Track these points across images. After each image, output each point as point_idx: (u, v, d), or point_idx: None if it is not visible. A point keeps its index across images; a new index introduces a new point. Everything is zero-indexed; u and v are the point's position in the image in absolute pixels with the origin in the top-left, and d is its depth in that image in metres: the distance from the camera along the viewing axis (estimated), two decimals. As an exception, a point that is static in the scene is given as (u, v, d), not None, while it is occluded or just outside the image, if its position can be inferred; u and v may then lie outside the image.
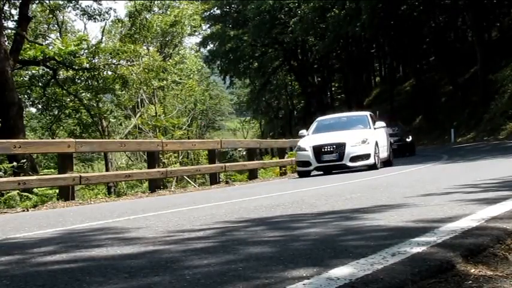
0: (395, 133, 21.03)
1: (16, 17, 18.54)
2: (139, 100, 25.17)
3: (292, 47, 50.03)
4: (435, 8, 35.20)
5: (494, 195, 4.56)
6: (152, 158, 11.38)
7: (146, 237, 3.48)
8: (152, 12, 30.98)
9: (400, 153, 20.17)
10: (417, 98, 38.66)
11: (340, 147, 12.45)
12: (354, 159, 12.41)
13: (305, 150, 12.71)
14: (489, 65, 31.54)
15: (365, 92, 50.96)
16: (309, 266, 2.21)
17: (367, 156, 12.44)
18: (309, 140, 13.07)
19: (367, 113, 14.62)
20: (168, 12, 34.90)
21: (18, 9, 17.73)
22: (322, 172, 13.16)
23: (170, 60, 31.39)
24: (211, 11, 51.69)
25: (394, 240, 2.66)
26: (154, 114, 23.07)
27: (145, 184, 13.44)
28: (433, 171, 10.50)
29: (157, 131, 21.11)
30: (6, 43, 15.76)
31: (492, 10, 35.32)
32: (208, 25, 52.62)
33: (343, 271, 2.08)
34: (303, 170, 12.84)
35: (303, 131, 13.98)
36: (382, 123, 13.96)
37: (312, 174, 12.88)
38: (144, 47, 28.51)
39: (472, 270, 2.17)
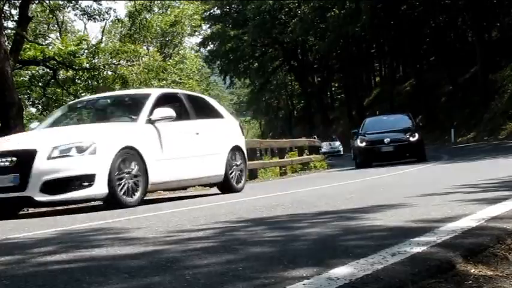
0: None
1: (16, 17, 18.54)
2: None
3: (292, 47, 50.03)
4: (435, 8, 35.18)
5: (494, 195, 4.56)
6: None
7: (146, 237, 3.48)
8: (152, 12, 30.98)
9: (400, 156, 15.32)
10: (417, 98, 38.65)
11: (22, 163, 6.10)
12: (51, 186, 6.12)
13: None
14: (489, 65, 31.54)
15: (365, 92, 50.98)
16: (309, 266, 2.21)
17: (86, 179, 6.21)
18: None
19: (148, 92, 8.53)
20: (168, 12, 34.90)
21: (18, 9, 17.71)
22: None
23: (170, 60, 31.37)
24: (211, 11, 51.70)
25: (394, 240, 2.66)
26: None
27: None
28: (433, 171, 10.50)
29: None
30: (6, 43, 15.75)
31: (492, 10, 35.30)
32: (208, 25, 52.63)
33: (343, 271, 2.08)
34: None
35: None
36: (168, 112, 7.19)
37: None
38: (144, 47, 28.52)
39: (472, 270, 2.17)
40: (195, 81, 36.52)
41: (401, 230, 3.03)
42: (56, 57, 18.89)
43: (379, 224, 3.33)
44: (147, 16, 28.65)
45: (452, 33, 39.54)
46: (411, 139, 15.00)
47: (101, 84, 21.77)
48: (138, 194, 6.56)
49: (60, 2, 24.21)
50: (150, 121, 7.08)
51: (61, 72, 21.43)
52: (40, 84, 23.82)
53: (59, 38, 23.83)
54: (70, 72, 21.25)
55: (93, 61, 20.95)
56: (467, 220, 3.23)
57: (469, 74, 35.65)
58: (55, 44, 20.29)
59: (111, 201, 6.35)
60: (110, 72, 21.93)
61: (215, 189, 8.47)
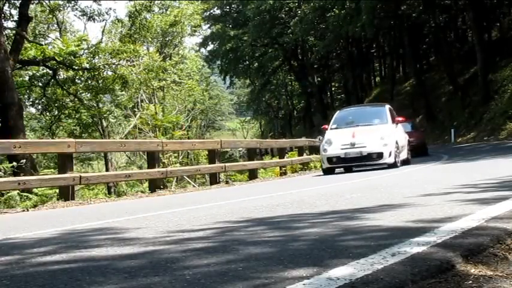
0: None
1: (16, 17, 18.54)
2: (139, 100, 25.17)
3: (292, 47, 50.05)
4: (435, 8, 35.19)
5: (494, 195, 4.55)
6: (152, 158, 11.38)
7: (146, 237, 3.48)
8: (152, 12, 30.97)
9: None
10: (417, 98, 38.67)
11: None
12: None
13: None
14: (489, 65, 31.54)
15: (365, 92, 50.98)
16: (309, 266, 2.21)
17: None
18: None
19: None
20: (168, 12, 34.90)
21: (18, 9, 17.72)
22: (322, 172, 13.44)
23: (169, 60, 31.38)
24: (211, 11, 51.73)
25: (394, 240, 2.66)
26: (154, 114, 23.06)
27: (146, 184, 13.44)
28: (433, 171, 10.50)
29: (158, 131, 21.11)
30: (6, 43, 15.76)
31: (492, 10, 35.32)
32: (208, 25, 52.65)
33: (343, 271, 2.08)
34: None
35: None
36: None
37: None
38: (144, 47, 28.53)
39: (472, 270, 2.17)
40: (195, 81, 36.55)
41: (401, 230, 3.03)
42: (56, 57, 18.90)
43: (379, 224, 3.33)
44: (147, 16, 28.64)
45: (452, 33, 39.56)
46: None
47: (101, 84, 21.79)
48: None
49: (60, 2, 24.22)
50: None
51: (61, 72, 21.44)
52: (40, 84, 23.83)
53: (59, 38, 23.83)
54: (70, 72, 21.25)
55: (93, 61, 20.95)
56: (467, 220, 3.23)
57: (469, 74, 35.65)
58: (55, 44, 20.29)
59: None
60: (110, 72, 21.93)
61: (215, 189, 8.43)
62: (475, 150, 18.51)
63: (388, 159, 12.50)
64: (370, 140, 12.59)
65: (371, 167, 13.15)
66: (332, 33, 40.12)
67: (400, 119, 13.91)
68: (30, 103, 26.24)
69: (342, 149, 12.66)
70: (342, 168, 13.49)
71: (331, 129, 13.72)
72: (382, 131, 12.86)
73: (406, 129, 19.82)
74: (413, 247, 2.47)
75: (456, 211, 3.66)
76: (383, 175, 10.18)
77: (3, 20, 16.75)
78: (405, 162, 13.80)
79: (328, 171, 13.03)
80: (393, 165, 12.51)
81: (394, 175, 9.94)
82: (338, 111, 15.46)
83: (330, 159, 12.83)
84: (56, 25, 27.88)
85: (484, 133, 28.80)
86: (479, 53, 31.14)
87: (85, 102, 23.54)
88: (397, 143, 12.88)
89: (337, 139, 12.94)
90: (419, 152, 18.72)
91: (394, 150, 12.62)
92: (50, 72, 21.19)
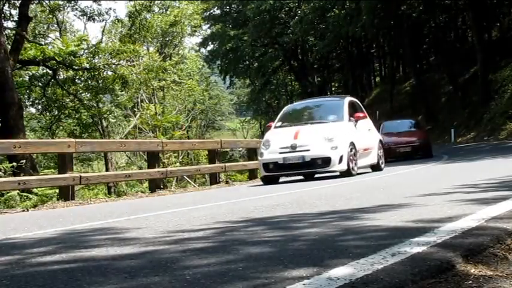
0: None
1: (16, 17, 18.54)
2: (139, 100, 25.17)
3: (292, 47, 50.02)
4: (435, 8, 35.19)
5: (494, 195, 4.55)
6: (152, 158, 11.39)
7: (146, 237, 3.48)
8: (152, 12, 30.98)
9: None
10: (417, 98, 38.66)
11: None
12: None
13: None
14: (489, 65, 31.53)
15: (365, 92, 50.96)
16: (309, 266, 2.21)
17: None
18: None
19: None
20: (168, 12, 34.90)
21: (18, 9, 17.72)
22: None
23: (169, 60, 31.39)
24: (211, 11, 51.71)
25: (394, 240, 2.66)
26: (154, 114, 23.07)
27: (146, 184, 13.45)
28: (433, 171, 10.50)
29: (158, 131, 21.12)
30: (6, 43, 15.76)
31: (492, 10, 35.31)
32: (208, 25, 52.64)
33: (343, 271, 2.08)
34: None
35: None
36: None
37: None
38: (144, 47, 28.53)
39: (472, 270, 2.17)
40: (195, 81, 36.55)
41: (401, 230, 3.03)
42: (56, 57, 18.90)
43: (379, 224, 3.33)
44: (147, 16, 28.65)
45: (452, 33, 39.56)
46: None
47: (101, 84, 21.80)
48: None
49: (60, 2, 24.23)
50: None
51: (61, 72, 21.44)
52: (40, 84, 23.83)
53: (59, 38, 23.83)
54: (70, 72, 21.26)
55: (93, 61, 20.96)
56: (467, 220, 3.23)
57: (469, 74, 35.64)
58: (55, 44, 20.29)
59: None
60: (110, 72, 21.93)
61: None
62: (475, 150, 18.51)
63: (338, 166, 10.13)
64: (315, 141, 10.17)
65: (327, 174, 11.02)
66: (332, 33, 40.10)
67: (361, 114, 11.43)
68: (30, 103, 26.25)
69: (281, 153, 10.20)
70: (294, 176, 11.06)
71: (274, 127, 11.26)
72: (333, 130, 10.39)
73: (409, 128, 19.27)
74: (413, 247, 2.47)
75: (456, 211, 3.66)
76: (383, 175, 10.16)
77: (3, 20, 16.75)
78: (375, 168, 11.82)
79: (267, 181, 10.53)
80: (347, 173, 10.20)
81: (394, 175, 9.93)
82: (287, 106, 13.46)
83: (266, 166, 10.35)
84: (56, 25, 27.89)
85: (484, 133, 28.78)
86: (479, 53, 31.13)
87: (85, 102, 23.55)
88: (353, 145, 10.54)
89: (276, 140, 10.48)
90: (422, 153, 17.59)
91: (348, 155, 10.24)
92: (50, 72, 21.19)
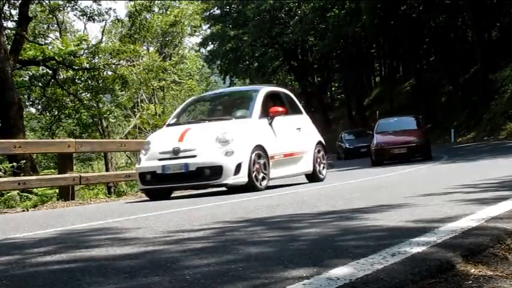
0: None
1: (16, 17, 18.55)
2: (139, 100, 25.19)
3: (292, 47, 50.03)
4: (435, 8, 35.19)
5: (494, 195, 4.56)
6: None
7: (146, 237, 3.48)
8: (152, 12, 31.00)
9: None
10: (417, 98, 38.66)
11: None
12: None
13: None
14: (489, 65, 31.53)
15: (365, 92, 50.96)
16: (309, 266, 2.21)
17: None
18: None
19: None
20: (168, 12, 34.91)
21: (18, 9, 17.74)
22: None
23: (169, 60, 31.40)
24: (211, 11, 51.71)
25: (394, 240, 2.66)
26: (154, 114, 23.09)
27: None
28: (433, 171, 10.50)
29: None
30: (6, 43, 15.77)
31: (492, 10, 35.31)
32: (208, 25, 52.64)
33: (343, 271, 2.08)
34: None
35: None
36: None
37: None
38: (144, 47, 28.54)
39: (472, 270, 2.17)
40: (195, 81, 36.58)
41: (401, 230, 3.03)
42: (56, 57, 18.92)
43: (379, 224, 3.33)
44: (147, 16, 28.67)
45: (452, 33, 39.55)
46: None
47: (101, 84, 21.81)
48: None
49: (60, 2, 24.24)
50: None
51: (61, 72, 21.45)
52: (40, 84, 23.85)
53: (59, 38, 23.85)
54: (70, 72, 21.27)
55: (93, 61, 20.98)
56: (467, 220, 3.23)
57: (469, 74, 35.65)
58: (55, 44, 20.31)
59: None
60: (110, 72, 21.94)
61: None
62: (475, 150, 18.50)
63: (234, 178, 7.58)
64: (205, 144, 7.72)
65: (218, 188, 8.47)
66: (332, 33, 40.11)
67: (280, 109, 8.68)
68: (30, 103, 26.28)
69: (161, 159, 7.78)
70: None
71: (167, 125, 8.98)
72: (231, 130, 7.85)
73: (411, 127, 17.19)
74: (413, 247, 2.47)
75: (456, 211, 3.66)
76: (383, 175, 10.14)
77: (3, 20, 16.75)
78: (311, 177, 9.38)
79: (151, 196, 8.04)
80: (250, 188, 7.68)
81: (394, 175, 9.91)
82: (193, 97, 11.55)
83: (143, 177, 7.91)
84: (56, 25, 27.90)
85: (484, 133, 28.78)
86: (479, 53, 31.13)
87: (85, 102, 23.56)
88: (261, 149, 8.00)
89: (158, 143, 8.06)
90: (419, 155, 15.93)
91: (251, 162, 7.71)
92: (50, 72, 21.21)
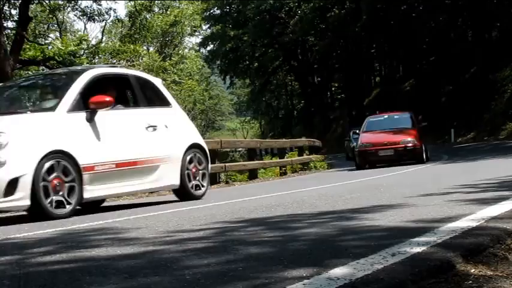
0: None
1: (16, 17, 18.56)
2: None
3: (292, 47, 50.03)
4: (435, 8, 35.19)
5: (494, 195, 4.56)
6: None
7: (146, 237, 3.48)
8: (152, 12, 30.99)
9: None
10: (417, 98, 38.65)
11: None
12: None
13: None
14: (489, 65, 31.53)
15: (365, 92, 50.96)
16: (309, 266, 2.21)
17: None
18: None
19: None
20: (168, 12, 34.93)
21: (18, 9, 17.74)
22: None
23: (169, 60, 31.42)
24: (211, 11, 51.72)
25: (394, 240, 2.66)
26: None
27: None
28: (433, 171, 10.50)
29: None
30: (6, 43, 15.77)
31: (492, 10, 35.30)
32: (208, 25, 52.66)
33: (343, 271, 2.08)
34: None
35: None
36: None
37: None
38: (144, 47, 28.55)
39: (472, 270, 2.17)
40: (195, 81, 36.58)
41: (401, 230, 3.03)
42: (56, 57, 18.92)
43: (379, 224, 3.33)
44: (147, 16, 28.67)
45: (452, 33, 39.55)
46: None
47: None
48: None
49: (60, 2, 24.26)
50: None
51: (61, 72, 21.45)
52: (40, 84, 23.82)
53: (59, 38, 23.85)
54: (70, 72, 21.25)
55: (93, 61, 20.98)
56: (467, 220, 3.23)
57: (469, 74, 35.65)
58: (55, 44, 20.32)
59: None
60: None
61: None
62: (475, 150, 18.51)
63: (3, 201, 5.25)
64: None
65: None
66: (332, 33, 40.13)
67: (106, 99, 6.03)
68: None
69: None
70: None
71: None
72: (5, 129, 5.36)
73: (403, 125, 14.95)
74: (413, 247, 2.47)
75: (456, 211, 3.66)
76: (383, 175, 10.12)
77: (3, 20, 16.76)
78: (180, 193, 7.03)
79: None
80: (34, 213, 5.46)
81: (394, 175, 9.89)
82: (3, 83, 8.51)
83: None
84: (56, 25, 27.91)
85: (484, 133, 28.80)
86: (479, 53, 31.15)
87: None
88: (67, 156, 5.59)
89: None
90: (408, 158, 13.89)
91: (42, 176, 5.31)
92: (50, 72, 21.21)
